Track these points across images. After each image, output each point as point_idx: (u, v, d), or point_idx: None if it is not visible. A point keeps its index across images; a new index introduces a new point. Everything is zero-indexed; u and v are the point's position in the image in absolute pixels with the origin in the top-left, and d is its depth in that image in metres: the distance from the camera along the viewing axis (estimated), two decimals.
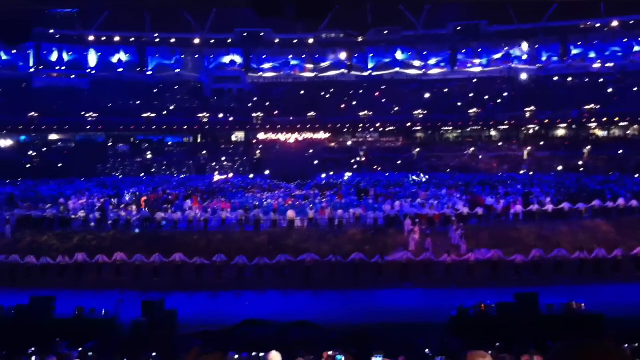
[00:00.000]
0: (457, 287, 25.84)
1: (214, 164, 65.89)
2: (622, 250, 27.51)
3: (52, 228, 32.44)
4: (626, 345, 12.08)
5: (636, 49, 74.02)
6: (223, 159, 67.14)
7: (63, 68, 76.11)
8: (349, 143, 72.20)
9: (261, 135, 70.58)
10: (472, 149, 66.73)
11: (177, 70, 79.67)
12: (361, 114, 70.74)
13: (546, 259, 27.41)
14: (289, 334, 18.94)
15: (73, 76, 75.83)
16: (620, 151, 61.56)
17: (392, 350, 14.46)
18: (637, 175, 50.21)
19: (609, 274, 26.86)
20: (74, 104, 69.87)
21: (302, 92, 76.61)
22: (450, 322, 19.83)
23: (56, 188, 47.37)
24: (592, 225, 31.42)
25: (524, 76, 75.56)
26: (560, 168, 59.72)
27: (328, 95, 76.18)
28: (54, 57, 76.21)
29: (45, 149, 66.95)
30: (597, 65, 75.12)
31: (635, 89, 68.97)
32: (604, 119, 67.60)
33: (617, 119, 67.38)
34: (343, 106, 73.77)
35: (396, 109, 72.65)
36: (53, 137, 70.14)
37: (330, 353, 12.69)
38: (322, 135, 70.23)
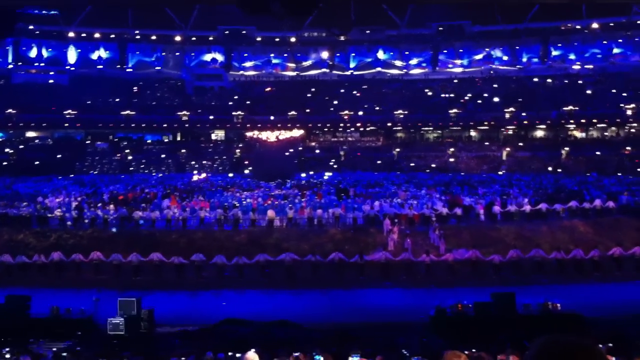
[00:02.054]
0: (436, 287, 25.93)
1: (194, 162, 65.53)
2: (600, 251, 27.80)
3: (30, 226, 32.10)
4: (600, 346, 12.15)
5: (615, 51, 74.75)
6: (203, 158, 66.79)
7: (42, 64, 75.23)
8: (330, 142, 72.18)
9: (242, 134, 70.34)
10: (452, 149, 67.01)
11: (158, 68, 79.10)
12: (342, 113, 70.73)
13: (524, 259, 27.64)
14: (270, 333, 18.90)
15: (52, 72, 74.93)
16: (598, 152, 62.15)
17: (372, 350, 14.47)
18: (614, 176, 50.68)
19: (586, 274, 27.12)
20: (53, 101, 69.01)
21: (283, 91, 76.44)
22: (429, 321, 19.91)
23: (33, 186, 46.87)
24: (570, 225, 31.73)
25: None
26: (534, 167, 60.15)
27: (309, 95, 76.04)
28: (33, 53, 75.30)
29: (22, 146, 66.15)
30: (576, 66, 75.76)
31: (614, 90, 69.66)
32: (583, 120, 68.20)
33: (595, 120, 68.01)
34: (324, 105, 73.70)
35: (377, 108, 72.68)
36: (31, 134, 69.31)
37: None
38: (302, 134, 70.11)
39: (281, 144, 55.59)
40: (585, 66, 75.13)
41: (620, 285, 25.89)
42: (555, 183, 46.12)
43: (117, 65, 77.64)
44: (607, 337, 14.47)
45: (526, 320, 19.17)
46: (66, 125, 68.32)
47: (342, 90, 76.48)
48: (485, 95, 73.56)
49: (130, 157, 65.99)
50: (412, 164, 64.13)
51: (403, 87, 76.95)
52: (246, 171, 58.49)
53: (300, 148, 67.38)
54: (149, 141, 71.58)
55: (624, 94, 67.72)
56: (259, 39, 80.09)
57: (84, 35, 76.34)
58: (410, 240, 28.74)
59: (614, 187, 41.84)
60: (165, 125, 71.12)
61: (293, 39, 79.08)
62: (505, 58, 79.05)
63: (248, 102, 73.96)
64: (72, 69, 75.86)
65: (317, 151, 69.02)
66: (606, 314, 20.54)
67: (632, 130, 67.58)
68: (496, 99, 71.96)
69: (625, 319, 19.80)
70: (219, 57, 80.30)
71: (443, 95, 74.78)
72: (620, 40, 74.59)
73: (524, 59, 78.50)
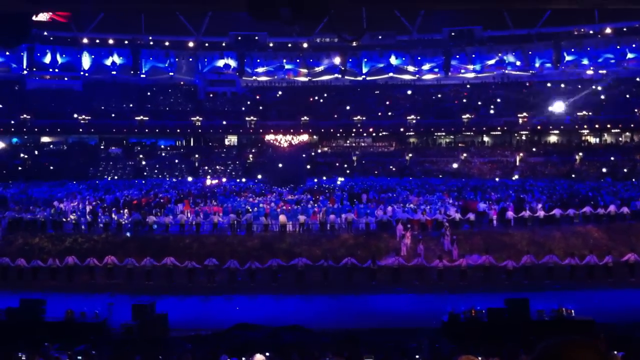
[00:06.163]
0: (449, 292, 25.88)
1: (207, 167, 65.77)
2: (613, 256, 27.64)
3: (44, 230, 32.34)
4: (615, 352, 12.10)
5: (629, 55, 74.39)
6: (215, 162, 67.03)
7: (56, 70, 75.88)
8: (342, 147, 72.22)
9: (254, 139, 70.50)
10: (465, 154, 66.82)
11: (171, 74, 79.55)
12: (354, 118, 70.76)
13: (537, 264, 27.51)
14: (281, 338, 18.93)
15: (66, 78, 75.54)
16: (612, 157, 61.79)
17: (384, 355, 14.47)
18: (628, 182, 50.36)
19: (600, 279, 26.96)
20: (67, 106, 69.63)
21: (295, 96, 76.62)
22: (441, 327, 19.87)
23: (48, 191, 47.19)
24: (583, 231, 31.55)
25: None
26: (547, 172, 59.85)
27: (322, 100, 76.21)
28: (47, 59, 75.96)
29: (37, 151, 66.65)
30: (590, 71, 75.41)
31: (628, 95, 69.30)
32: (596, 126, 67.87)
33: (609, 125, 67.65)
34: (336, 110, 73.76)
35: (389, 113, 72.70)
36: (45, 139, 69.86)
37: None
38: (315, 139, 70.16)
39: (293, 149, 55.62)
40: (599, 71, 74.78)
41: (634, 291, 25.74)
42: (569, 188, 45.87)
43: (130, 71, 78.22)
44: (620, 343, 14.39)
45: (540, 326, 19.09)
46: (80, 130, 68.81)
47: (355, 96, 76.56)
48: (498, 100, 73.38)
49: (143, 162, 66.31)
50: (424, 170, 63.98)
51: (415, 93, 76.91)
52: (259, 176, 58.59)
53: (313, 153, 67.44)
54: (162, 146, 71.95)
55: (638, 99, 67.35)
56: (271, 44, 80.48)
57: (97, 41, 77.10)
58: (422, 245, 28.70)
59: (627, 192, 41.58)
60: (178, 130, 71.50)
61: (305, 45, 79.30)
62: (517, 63, 78.85)
63: (260, 108, 74.20)
64: (86, 74, 76.51)
65: (330, 156, 69.03)
66: (619, 320, 20.42)
67: None
68: (509, 104, 71.73)
69: (639, 325, 19.67)
70: (232, 63, 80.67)
71: (455, 100, 74.67)
72: (633, 45, 74.23)
73: (537, 64, 78.30)
